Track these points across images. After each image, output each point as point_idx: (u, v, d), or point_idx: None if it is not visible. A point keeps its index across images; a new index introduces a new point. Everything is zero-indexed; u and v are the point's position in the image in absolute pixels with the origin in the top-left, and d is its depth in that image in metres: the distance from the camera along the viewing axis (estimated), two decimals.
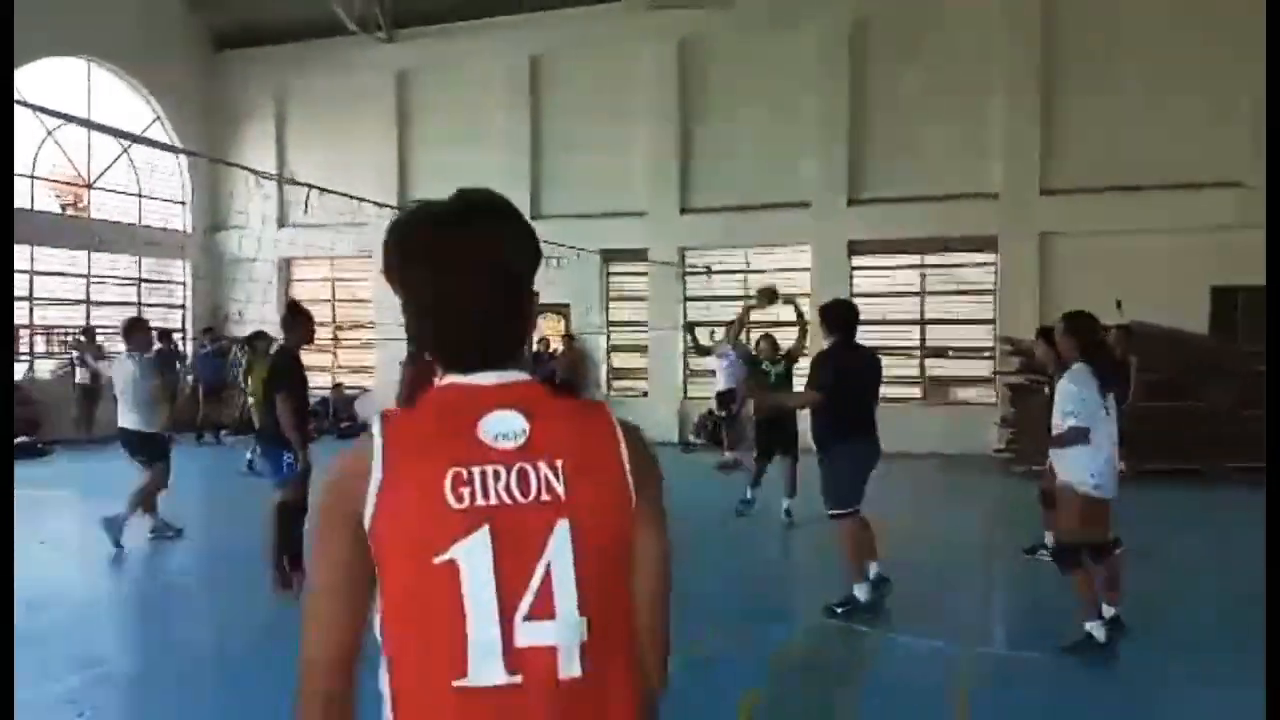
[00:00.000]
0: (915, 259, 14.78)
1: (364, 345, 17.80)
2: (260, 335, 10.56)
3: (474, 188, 1.34)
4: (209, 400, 15.34)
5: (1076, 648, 4.93)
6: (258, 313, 16.57)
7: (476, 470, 1.20)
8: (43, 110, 9.10)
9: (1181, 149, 12.75)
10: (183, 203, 18.58)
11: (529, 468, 1.22)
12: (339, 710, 1.23)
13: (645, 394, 16.17)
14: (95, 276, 16.98)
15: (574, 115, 16.18)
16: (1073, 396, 4.83)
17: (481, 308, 1.28)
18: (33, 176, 15.80)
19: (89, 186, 17.03)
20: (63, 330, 16.62)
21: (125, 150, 17.17)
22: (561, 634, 1.19)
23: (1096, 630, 4.91)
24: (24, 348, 16.19)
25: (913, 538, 8.71)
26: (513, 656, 1.18)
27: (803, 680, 4.86)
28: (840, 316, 5.95)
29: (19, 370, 15.82)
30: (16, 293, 15.67)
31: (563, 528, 1.21)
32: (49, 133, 15.77)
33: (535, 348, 16.68)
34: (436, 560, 1.17)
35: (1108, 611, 5.01)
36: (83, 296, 16.78)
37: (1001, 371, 13.61)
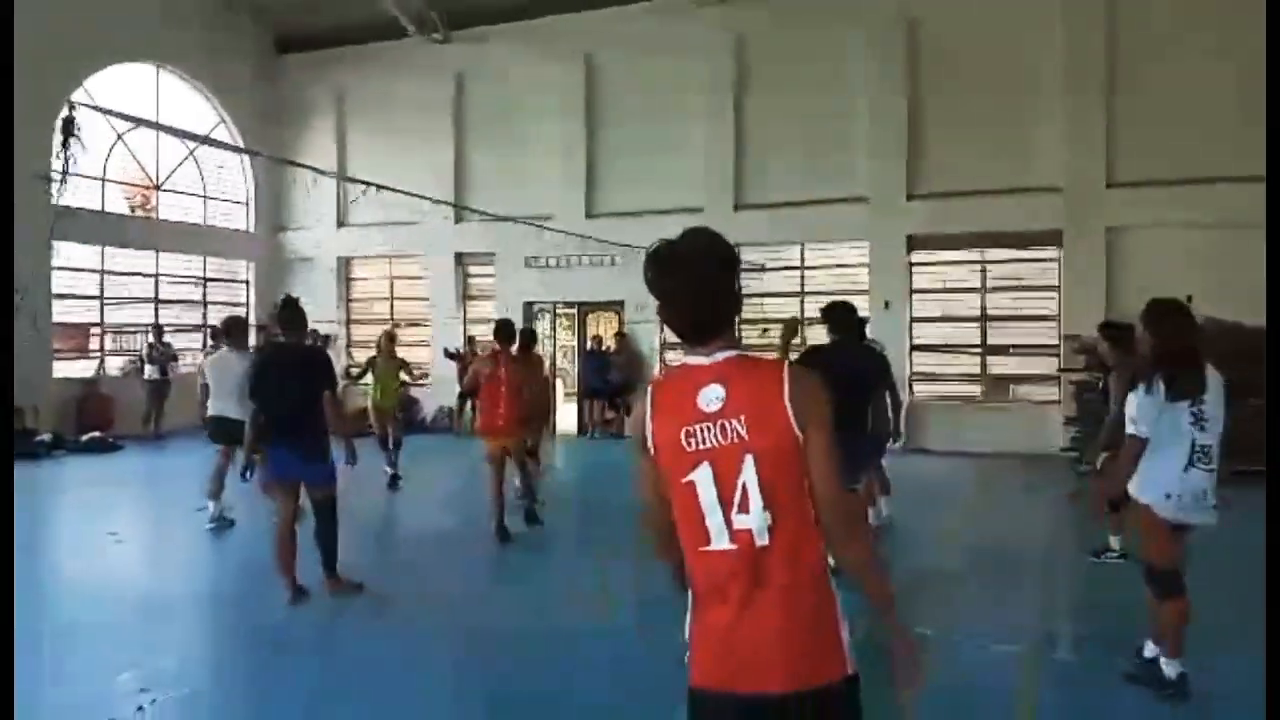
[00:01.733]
0: (976, 254, 14.51)
1: (420, 342, 18.01)
2: (391, 336, 10.79)
3: (699, 228, 2.10)
4: None
5: (1140, 677, 4.65)
6: (318, 311, 16.93)
7: (697, 427, 1.99)
8: (113, 114, 9.40)
9: (1253, 139, 12.30)
10: (246, 204, 18.99)
11: (725, 423, 1.98)
12: (671, 546, 2.11)
13: None
14: (163, 275, 17.43)
15: (628, 112, 16.18)
16: (1133, 401, 4.39)
17: (698, 302, 2.03)
18: (104, 179, 16.27)
19: (157, 188, 17.49)
20: (131, 329, 17.08)
21: (191, 153, 17.60)
22: (754, 521, 1.97)
23: (1169, 667, 4.52)
24: (95, 346, 16.69)
25: (974, 537, 8.57)
26: (731, 533, 1.98)
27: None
28: (835, 317, 6.58)
29: (91, 367, 16.32)
30: (88, 292, 16.17)
31: (749, 459, 1.97)
32: (119, 136, 16.22)
33: (589, 345, 16.73)
34: (683, 480, 2.01)
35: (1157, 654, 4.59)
36: (151, 295, 17.24)
37: (1066, 369, 13.30)
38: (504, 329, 8.39)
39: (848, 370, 6.37)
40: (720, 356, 2.03)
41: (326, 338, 16.92)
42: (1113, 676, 4.74)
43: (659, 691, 4.45)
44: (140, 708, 4.35)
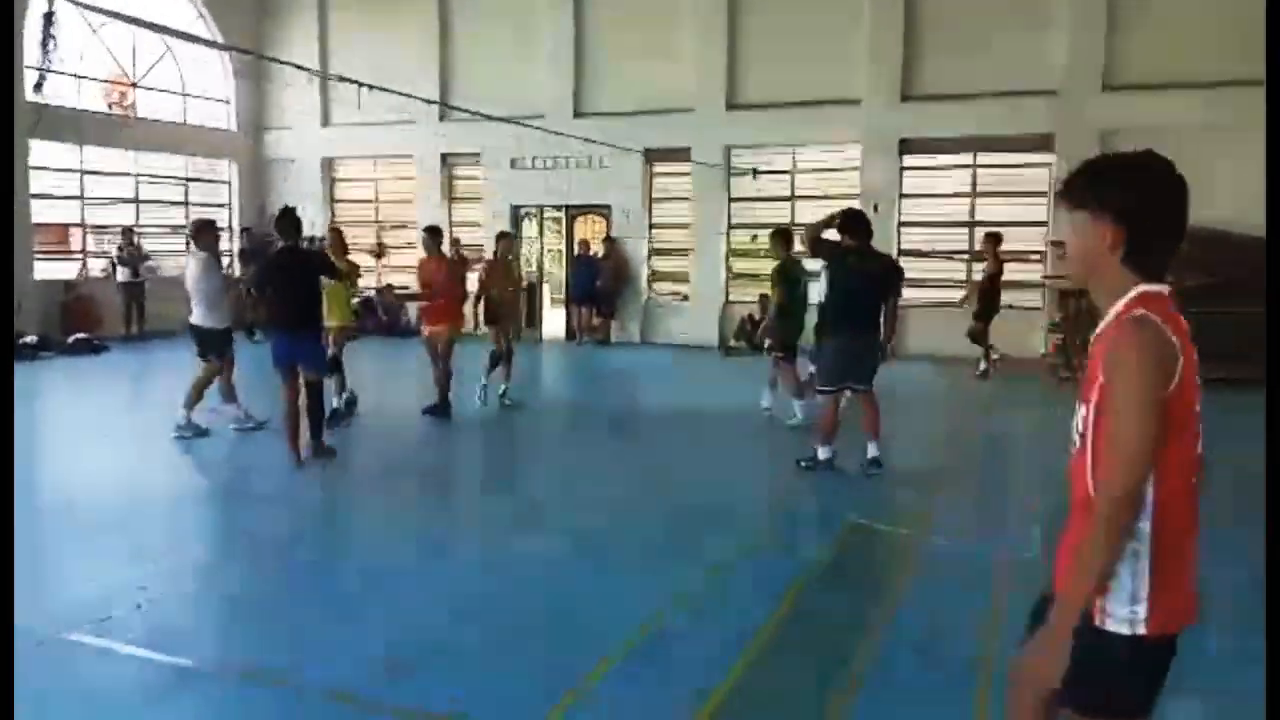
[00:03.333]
0: (967, 158, 14.36)
1: (407, 245, 17.84)
2: (338, 235, 10.40)
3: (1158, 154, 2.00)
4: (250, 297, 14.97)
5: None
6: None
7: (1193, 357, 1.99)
8: (90, 8, 9.02)
9: (1247, 43, 12.08)
10: (227, 102, 18.52)
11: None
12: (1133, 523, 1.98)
13: (686, 298, 16.10)
14: (143, 175, 17.11)
15: (619, 7, 15.75)
16: None
17: (1182, 235, 2.01)
18: (79, 75, 15.80)
19: (134, 85, 17.02)
20: (111, 229, 16.85)
21: (170, 49, 17.06)
22: None
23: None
24: (76, 246, 16.47)
25: (954, 440, 8.72)
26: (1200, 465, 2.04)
27: (834, 583, 4.91)
28: (853, 223, 6.86)
29: (73, 269, 16.14)
30: (70, 192, 15.89)
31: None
32: (94, 30, 15.71)
33: (576, 250, 16.56)
34: (1196, 409, 2.00)
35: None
36: (131, 195, 16.94)
37: (1052, 276, 13.33)
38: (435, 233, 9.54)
39: (872, 273, 6.85)
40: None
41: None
42: None
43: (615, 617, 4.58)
44: (139, 605, 4.46)
